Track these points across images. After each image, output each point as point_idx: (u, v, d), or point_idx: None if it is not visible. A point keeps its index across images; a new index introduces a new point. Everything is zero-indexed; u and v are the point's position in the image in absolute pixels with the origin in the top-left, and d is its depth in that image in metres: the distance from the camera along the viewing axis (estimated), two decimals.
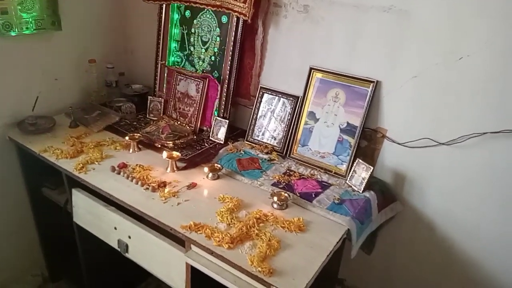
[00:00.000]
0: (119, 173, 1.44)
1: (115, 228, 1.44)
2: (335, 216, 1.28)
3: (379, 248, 1.64)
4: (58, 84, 1.88)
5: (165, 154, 1.48)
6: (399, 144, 1.47)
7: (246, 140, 1.75)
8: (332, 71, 1.55)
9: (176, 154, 1.50)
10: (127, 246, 1.43)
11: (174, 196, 1.33)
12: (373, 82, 1.45)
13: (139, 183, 1.38)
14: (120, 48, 2.18)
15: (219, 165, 1.49)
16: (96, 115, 1.86)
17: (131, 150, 1.62)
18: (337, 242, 1.18)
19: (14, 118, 1.73)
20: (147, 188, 1.36)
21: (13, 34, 1.64)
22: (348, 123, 1.52)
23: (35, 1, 1.68)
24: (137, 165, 1.49)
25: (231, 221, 1.21)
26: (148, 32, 1.98)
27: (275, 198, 1.30)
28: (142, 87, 2.15)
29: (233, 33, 1.68)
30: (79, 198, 1.54)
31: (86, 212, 1.55)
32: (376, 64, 1.45)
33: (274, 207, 1.32)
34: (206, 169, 1.45)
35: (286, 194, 1.33)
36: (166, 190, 1.36)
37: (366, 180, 1.42)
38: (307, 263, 1.08)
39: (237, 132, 1.82)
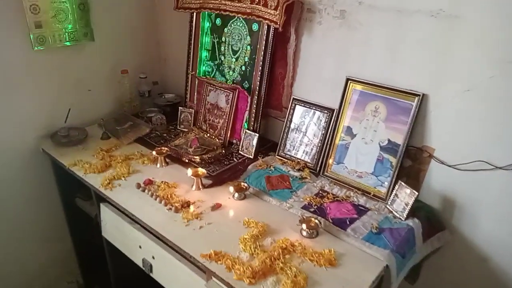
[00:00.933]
0: (143, 191, 1.40)
1: (140, 247, 1.40)
2: (372, 248, 1.14)
3: (425, 277, 1.46)
4: (91, 95, 1.89)
5: (189, 171, 1.42)
6: (449, 166, 1.30)
7: (277, 155, 1.64)
8: (371, 82, 1.40)
9: (201, 171, 1.43)
10: (151, 266, 1.38)
11: (197, 218, 1.26)
12: (419, 95, 1.29)
13: (163, 202, 1.33)
14: (153, 57, 2.17)
15: (245, 184, 1.40)
16: (128, 126, 1.84)
17: (158, 165, 1.57)
18: (373, 282, 1.04)
19: (47, 130, 1.75)
20: (170, 209, 1.30)
21: (46, 47, 1.65)
22: (389, 140, 1.36)
23: (68, 13, 1.69)
24: (162, 182, 1.44)
25: (255, 251, 1.11)
26: (180, 40, 1.93)
27: (304, 226, 1.19)
28: (175, 96, 2.12)
29: (264, 41, 1.58)
30: (106, 213, 1.52)
31: (113, 228, 1.53)
32: (421, 75, 1.28)
33: (303, 235, 1.20)
34: (231, 189, 1.37)
35: (316, 221, 1.21)
36: (190, 210, 1.29)
37: (409, 206, 1.26)
38: None
39: (268, 145, 1.72)
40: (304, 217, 1.23)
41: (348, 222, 1.25)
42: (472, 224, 1.31)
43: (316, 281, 1.03)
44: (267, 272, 1.05)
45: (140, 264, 1.43)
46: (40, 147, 1.73)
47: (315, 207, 1.33)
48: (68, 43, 1.72)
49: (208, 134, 1.79)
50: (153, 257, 1.36)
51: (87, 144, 1.73)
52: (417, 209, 1.29)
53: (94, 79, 1.89)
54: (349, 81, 1.45)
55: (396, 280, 1.16)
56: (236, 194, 1.37)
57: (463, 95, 1.21)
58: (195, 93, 1.90)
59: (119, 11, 1.91)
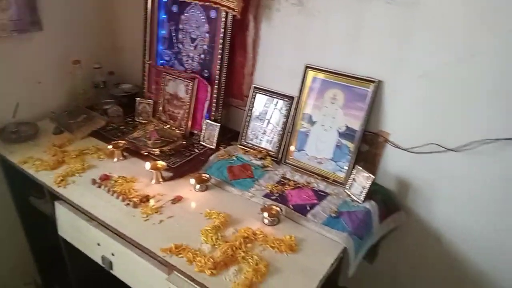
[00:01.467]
0: (99, 187, 1.35)
1: (99, 244, 1.36)
2: (331, 232, 1.17)
3: (383, 256, 1.52)
4: (41, 88, 1.78)
5: (148, 165, 1.38)
6: (403, 149, 1.34)
7: (239, 144, 1.63)
8: (329, 69, 1.41)
9: (161, 164, 1.40)
10: (111, 263, 1.34)
11: (156, 212, 1.23)
12: (375, 82, 1.31)
13: (120, 197, 1.28)
14: (108, 46, 2.07)
15: (207, 175, 1.38)
16: (82, 119, 1.76)
17: (115, 159, 1.52)
18: (332, 264, 1.07)
19: None
20: (128, 204, 1.26)
21: None
22: (347, 126, 1.39)
23: (12, 0, 1.57)
24: (119, 176, 1.39)
25: (216, 242, 1.11)
26: (136, 28, 1.85)
27: (266, 214, 1.19)
28: (133, 86, 2.04)
29: (222, 29, 1.54)
30: (61, 212, 1.46)
31: (69, 226, 1.47)
32: (379, 62, 1.31)
33: (264, 223, 1.21)
34: (192, 181, 1.35)
35: (277, 209, 1.22)
36: (150, 205, 1.26)
37: (366, 189, 1.30)
38: None
39: (230, 135, 1.71)
40: (266, 205, 1.24)
41: (308, 208, 1.27)
42: (426, 205, 1.37)
43: (277, 268, 1.04)
44: (229, 262, 1.04)
45: (99, 261, 1.39)
46: None
47: (277, 194, 1.34)
48: (13, 33, 1.60)
49: (168, 126, 1.75)
50: (113, 254, 1.32)
51: (38, 140, 1.64)
52: (374, 192, 1.33)
53: (44, 71, 1.78)
54: (308, 69, 1.45)
55: (354, 261, 1.19)
56: (198, 186, 1.36)
57: (417, 80, 1.24)
58: (153, 83, 1.84)
59: None
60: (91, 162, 1.49)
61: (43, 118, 1.79)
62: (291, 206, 1.28)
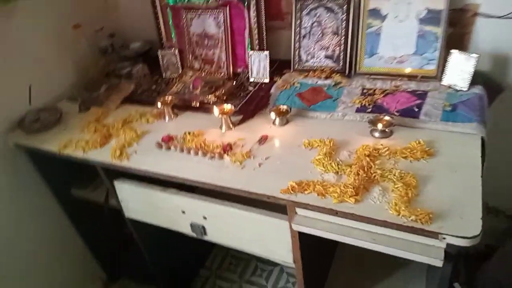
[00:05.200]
0: (168, 148, 1.14)
1: (183, 212, 1.18)
2: (458, 126, 1.01)
3: None
4: (45, 66, 1.50)
5: (216, 110, 1.17)
6: (498, 17, 1.15)
7: (294, 70, 1.42)
8: None
9: (228, 108, 1.19)
10: (203, 228, 1.18)
11: (249, 157, 1.05)
12: None
13: (200, 152, 1.08)
14: (99, 4, 1.75)
15: (285, 107, 1.18)
16: (105, 90, 1.51)
17: (167, 119, 1.30)
18: (481, 156, 0.91)
19: (10, 119, 1.38)
20: (213, 157, 1.07)
21: None
22: (428, 9, 1.18)
23: None
24: (185, 133, 1.19)
25: (339, 168, 0.94)
26: None
27: (379, 126, 1.01)
28: (143, 43, 1.76)
29: None
30: (125, 190, 1.27)
31: (138, 204, 1.28)
32: None
33: (376, 137, 1.04)
34: (272, 115, 1.15)
35: (387, 118, 1.04)
36: (237, 152, 1.07)
37: (470, 73, 1.12)
38: (464, 190, 0.83)
39: (276, 65, 1.48)
40: (372, 118, 1.06)
41: (416, 109, 1.10)
42: None
43: (426, 176, 0.88)
44: (368, 184, 0.88)
45: (187, 231, 1.22)
46: (9, 143, 1.37)
47: (370, 106, 1.16)
48: None
49: (206, 71, 1.51)
50: (205, 217, 1.15)
51: (66, 123, 1.40)
52: (474, 77, 1.16)
53: (42, 45, 1.49)
54: None
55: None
56: (278, 120, 1.16)
57: None
58: (173, 28, 1.58)
59: None
60: (142, 128, 1.27)
61: (59, 99, 1.54)
62: (396, 113, 1.10)
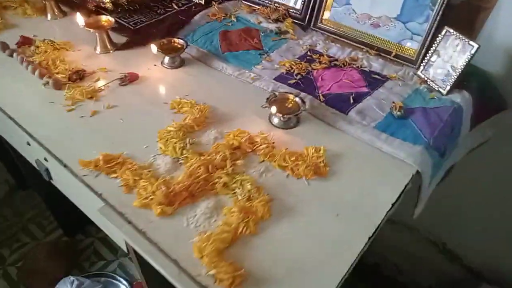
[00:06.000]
0: (11, 55, 0.84)
1: (28, 144, 0.91)
2: (392, 144, 0.64)
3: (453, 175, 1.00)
4: None
5: (81, 20, 0.83)
6: None
7: (245, 0, 1.03)
8: None
9: (106, 20, 0.84)
10: (47, 170, 0.91)
11: (91, 98, 0.73)
12: None
13: (37, 72, 0.77)
14: None
15: (181, 41, 0.83)
16: None
17: (49, 16, 0.97)
18: (393, 204, 0.57)
19: None
20: (47, 83, 0.75)
21: None
22: None
23: None
24: (45, 40, 0.86)
25: (182, 153, 0.61)
26: None
27: (274, 109, 0.66)
28: None
29: None
30: None
31: None
32: None
33: (273, 123, 0.69)
34: (154, 49, 0.80)
35: (297, 99, 0.69)
36: (82, 86, 0.75)
37: (459, 70, 0.72)
38: (329, 252, 0.50)
39: None
40: (277, 94, 0.70)
41: (351, 101, 0.73)
42: None
43: (289, 207, 0.55)
44: (199, 191, 0.56)
45: (36, 166, 0.96)
46: None
47: (298, 77, 0.79)
48: None
49: None
50: (46, 159, 0.88)
51: None
52: (468, 76, 0.76)
53: None
54: None
55: (426, 192, 0.70)
56: (167, 58, 0.82)
57: None
58: None
59: None
60: (13, 21, 0.96)
61: None
62: (321, 97, 0.74)
